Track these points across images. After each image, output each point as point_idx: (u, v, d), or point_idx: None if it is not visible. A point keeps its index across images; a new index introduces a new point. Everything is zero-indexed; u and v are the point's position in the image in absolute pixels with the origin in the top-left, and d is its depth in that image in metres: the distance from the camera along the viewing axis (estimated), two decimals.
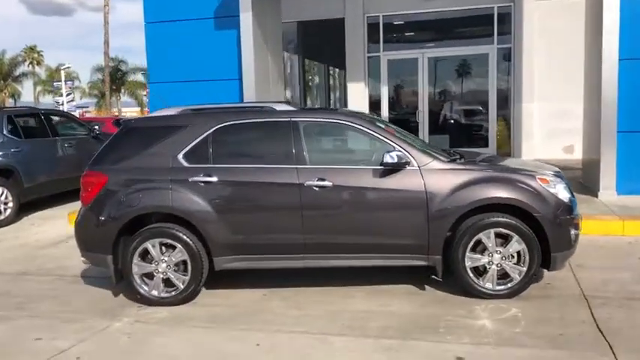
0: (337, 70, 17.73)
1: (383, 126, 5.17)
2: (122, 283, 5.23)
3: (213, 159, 5.10)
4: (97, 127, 11.39)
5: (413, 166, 4.92)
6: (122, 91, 55.07)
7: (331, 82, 18.21)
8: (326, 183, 4.92)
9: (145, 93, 54.51)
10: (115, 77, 52.60)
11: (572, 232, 4.95)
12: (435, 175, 4.91)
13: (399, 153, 4.87)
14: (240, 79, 9.46)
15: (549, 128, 12.22)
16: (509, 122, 12.57)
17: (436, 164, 4.96)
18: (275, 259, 5.08)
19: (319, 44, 15.94)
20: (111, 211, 5.10)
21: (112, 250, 5.11)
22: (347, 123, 5.12)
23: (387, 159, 4.81)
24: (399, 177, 4.91)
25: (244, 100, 9.39)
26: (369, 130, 5.08)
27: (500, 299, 4.88)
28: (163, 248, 5.08)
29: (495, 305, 4.79)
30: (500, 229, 4.84)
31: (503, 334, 4.21)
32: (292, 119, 5.12)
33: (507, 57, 12.45)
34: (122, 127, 5.37)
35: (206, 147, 5.13)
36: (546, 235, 4.82)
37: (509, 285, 4.90)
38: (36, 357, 4.11)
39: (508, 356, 3.83)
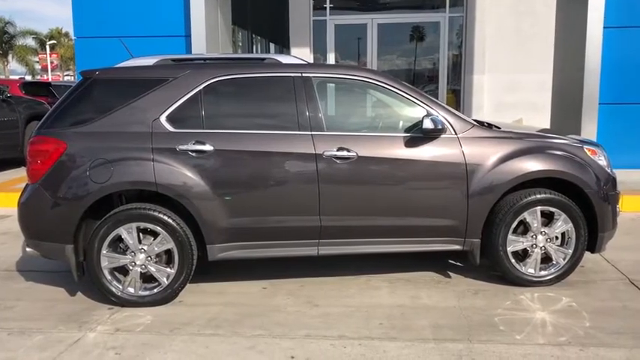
0: (263, 39, 16.54)
1: (410, 85, 4.34)
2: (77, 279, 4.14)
3: (205, 123, 4.07)
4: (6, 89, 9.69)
5: (450, 133, 4.17)
6: (10, 56, 50.16)
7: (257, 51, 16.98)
8: (349, 154, 4.05)
9: (37, 59, 50.11)
10: (2, 40, 47.87)
11: (617, 209, 4.43)
12: (475, 145, 4.18)
13: (438, 118, 4.08)
14: (188, 36, 8.27)
15: (499, 101, 11.93)
16: (459, 94, 12.15)
17: (475, 132, 4.23)
18: (283, 247, 4.16)
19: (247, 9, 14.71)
20: (72, 188, 3.94)
21: (73, 238, 3.97)
22: (369, 80, 4.24)
23: (428, 124, 4.01)
24: (435, 146, 4.14)
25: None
26: (396, 90, 4.24)
27: (543, 286, 4.29)
28: (141, 235, 4.02)
29: (541, 294, 4.18)
30: (548, 207, 4.21)
31: (575, 331, 3.58)
32: (304, 74, 4.18)
33: (459, 26, 11.97)
34: (83, 79, 4.17)
35: (196, 107, 4.08)
36: (595, 212, 4.26)
37: (552, 270, 4.31)
38: None
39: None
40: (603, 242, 4.36)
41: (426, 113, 4.12)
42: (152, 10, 8.35)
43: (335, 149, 4.05)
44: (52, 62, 48.66)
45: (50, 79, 37.34)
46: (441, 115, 4.17)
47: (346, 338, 3.51)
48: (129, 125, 4.01)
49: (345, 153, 4.05)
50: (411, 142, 4.14)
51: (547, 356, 3.24)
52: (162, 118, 4.02)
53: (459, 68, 12.17)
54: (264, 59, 4.33)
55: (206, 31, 8.10)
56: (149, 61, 4.26)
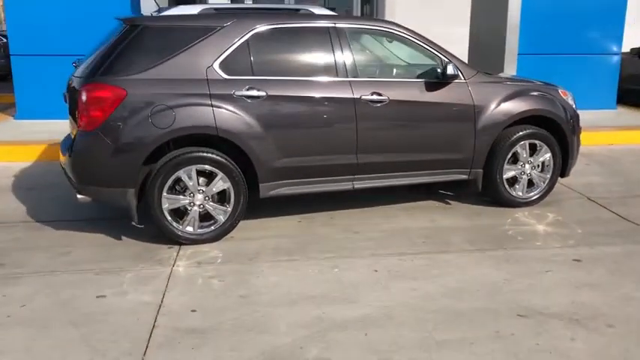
0: None
1: (425, 36, 4.91)
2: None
3: (254, 69, 4.35)
4: None
5: (461, 79, 4.83)
6: None
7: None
8: (382, 97, 4.57)
9: None
10: None
11: (580, 141, 5.41)
12: (479, 89, 4.89)
13: (453, 65, 4.72)
14: None
15: None
16: None
17: (479, 77, 4.95)
18: (324, 183, 4.62)
19: None
20: (134, 133, 4.08)
21: (134, 182, 4.14)
22: (393, 31, 4.77)
23: (450, 70, 4.64)
24: (450, 90, 4.79)
25: (141, 9, 8.09)
26: (416, 40, 4.81)
27: (529, 206, 5.17)
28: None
29: (530, 212, 5.07)
30: (534, 140, 5.06)
31: (574, 236, 4.50)
32: (337, 25, 4.58)
33: None
34: (130, 27, 4.22)
35: (245, 55, 4.34)
36: (567, 143, 5.19)
37: (535, 192, 5.20)
38: (135, 316, 3.21)
39: (614, 254, 4.10)
40: (570, 168, 5.33)
41: (443, 61, 4.73)
42: None
43: (370, 93, 4.55)
44: None
45: None
46: (454, 62, 4.80)
47: (407, 254, 4.12)
48: (184, 72, 4.19)
49: (378, 97, 4.56)
50: (430, 87, 4.75)
51: (570, 254, 4.11)
52: (216, 66, 4.25)
53: None
54: (298, 10, 4.66)
55: None
56: (191, 9, 4.41)
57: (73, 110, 4.30)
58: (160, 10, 4.66)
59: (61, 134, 7.17)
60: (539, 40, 8.93)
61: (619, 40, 9.24)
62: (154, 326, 3.11)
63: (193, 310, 3.29)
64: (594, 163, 6.73)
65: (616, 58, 9.29)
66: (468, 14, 9.85)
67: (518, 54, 8.74)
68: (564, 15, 8.92)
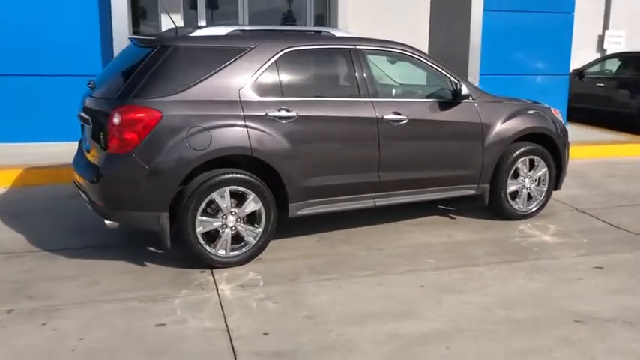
0: None
1: (436, 58, 5.11)
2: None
3: (282, 91, 4.38)
4: None
5: (469, 99, 5.06)
6: None
7: None
8: (401, 117, 4.72)
9: None
10: None
11: (569, 155, 5.78)
12: (485, 108, 5.14)
13: (465, 86, 4.95)
14: None
15: None
16: None
17: (484, 97, 5.20)
18: (347, 201, 4.69)
19: None
20: (171, 156, 4.00)
21: (168, 205, 4.04)
22: (408, 53, 4.95)
23: (465, 90, 4.87)
24: (461, 110, 5.00)
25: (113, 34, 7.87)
26: (428, 62, 5.00)
27: (528, 219, 5.45)
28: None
29: (532, 224, 5.35)
30: (533, 156, 5.37)
31: (582, 245, 4.79)
32: (357, 47, 4.70)
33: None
34: (162, 48, 4.13)
35: (274, 76, 4.36)
36: (560, 158, 5.54)
37: (534, 205, 5.50)
38: (208, 342, 3.13)
39: (629, 260, 4.43)
40: (562, 181, 5.69)
41: (453, 82, 4.95)
42: None
43: (390, 113, 4.68)
44: None
45: None
46: (464, 83, 5.03)
47: (442, 269, 4.25)
48: (218, 93, 4.16)
49: (398, 116, 4.70)
50: (443, 106, 4.95)
51: (588, 262, 4.38)
52: (247, 87, 4.24)
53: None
54: (320, 32, 4.74)
55: None
56: (219, 30, 4.39)
57: (97, 133, 4.14)
58: (177, 29, 4.58)
59: (32, 157, 6.87)
60: (497, 61, 9.44)
61: (567, 62, 9.95)
62: (234, 352, 3.05)
63: (265, 334, 3.25)
64: (568, 177, 7.15)
65: (565, 78, 9.98)
66: (426, 36, 10.26)
67: (481, 74, 9.18)
68: (520, 40, 9.54)
